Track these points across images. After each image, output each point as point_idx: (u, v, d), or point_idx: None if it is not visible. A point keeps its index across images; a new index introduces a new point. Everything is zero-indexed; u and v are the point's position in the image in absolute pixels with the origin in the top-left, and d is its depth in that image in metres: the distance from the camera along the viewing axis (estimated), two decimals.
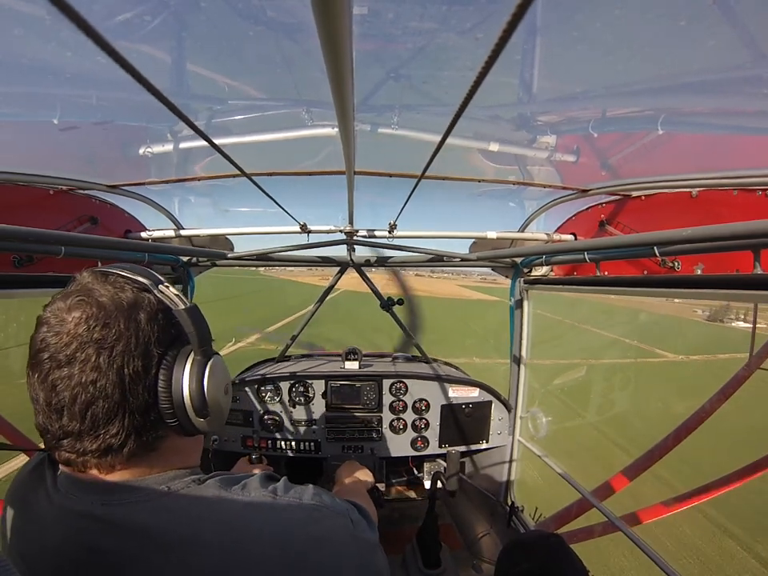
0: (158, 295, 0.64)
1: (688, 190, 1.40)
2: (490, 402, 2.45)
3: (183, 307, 0.65)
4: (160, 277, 0.68)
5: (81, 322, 0.56)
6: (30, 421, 0.61)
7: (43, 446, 0.63)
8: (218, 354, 0.73)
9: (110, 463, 0.59)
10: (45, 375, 0.55)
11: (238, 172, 0.97)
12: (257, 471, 1.62)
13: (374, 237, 1.87)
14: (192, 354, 0.66)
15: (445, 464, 2.62)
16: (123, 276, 0.63)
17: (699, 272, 1.32)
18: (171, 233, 1.96)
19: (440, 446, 2.43)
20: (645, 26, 0.68)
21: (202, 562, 0.58)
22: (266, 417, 2.39)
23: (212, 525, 0.60)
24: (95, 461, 0.58)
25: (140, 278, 0.64)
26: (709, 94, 0.92)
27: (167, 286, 0.67)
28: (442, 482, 1.96)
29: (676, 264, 1.41)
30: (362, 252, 2.19)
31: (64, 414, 0.56)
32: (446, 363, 2.98)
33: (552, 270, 2.21)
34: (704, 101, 0.97)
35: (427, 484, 2.65)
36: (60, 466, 0.65)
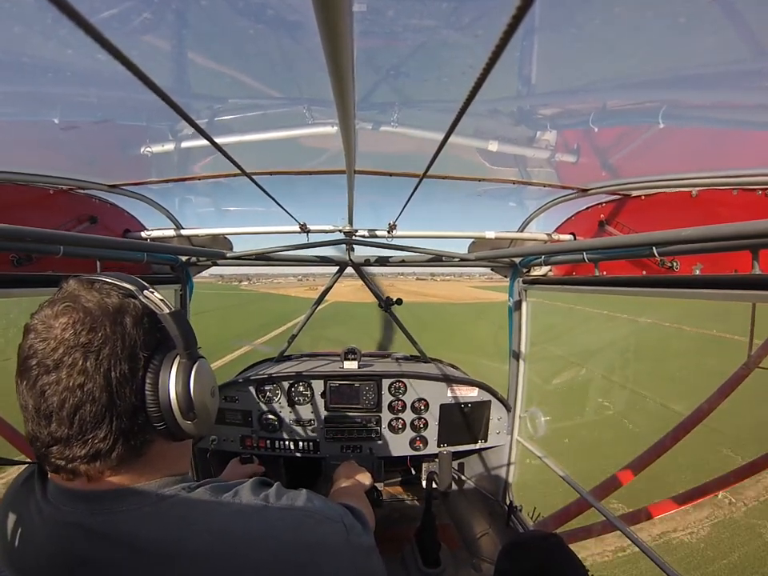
0: (144, 300, 0.65)
1: (688, 189, 1.40)
2: (489, 402, 2.45)
3: (168, 311, 0.66)
4: (145, 283, 0.69)
5: (67, 327, 0.56)
6: None
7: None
8: (203, 357, 0.73)
9: (99, 469, 0.59)
10: (33, 381, 0.55)
11: (239, 171, 0.97)
12: (248, 471, 1.62)
13: (373, 237, 1.87)
14: (178, 357, 0.67)
15: None
16: (109, 283, 0.63)
17: (698, 272, 1.32)
18: (170, 232, 1.96)
19: (439, 446, 2.43)
20: (644, 23, 0.68)
21: (194, 571, 0.57)
22: (264, 416, 2.39)
23: (203, 533, 0.59)
24: (84, 467, 0.58)
25: (125, 284, 0.64)
26: (708, 88, 0.93)
27: (152, 292, 0.68)
28: (436, 482, 1.96)
29: (675, 264, 1.41)
30: (360, 252, 2.19)
31: (53, 420, 0.56)
32: (446, 363, 2.98)
33: (551, 270, 2.21)
34: (704, 94, 0.97)
35: (424, 484, 2.65)
36: (49, 476, 0.65)
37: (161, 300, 0.67)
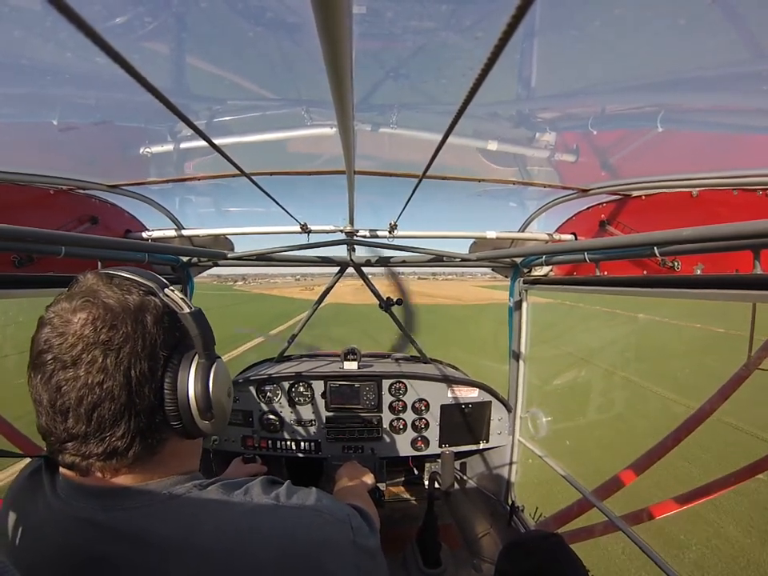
0: (164, 299, 0.65)
1: (688, 189, 1.40)
2: (490, 402, 2.45)
3: (188, 311, 0.66)
4: (164, 280, 0.69)
5: (87, 323, 0.55)
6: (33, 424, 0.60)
7: (45, 449, 0.62)
8: (220, 357, 0.73)
9: (114, 467, 0.59)
10: (49, 376, 0.55)
11: (239, 172, 0.97)
12: (251, 470, 1.63)
13: (374, 237, 1.87)
14: (197, 356, 0.67)
15: None
16: (129, 279, 0.63)
17: (699, 272, 1.32)
18: (171, 233, 1.96)
19: (440, 446, 2.43)
20: (644, 25, 0.68)
21: (204, 568, 0.57)
22: (265, 417, 2.39)
23: (214, 530, 0.59)
24: (100, 464, 0.58)
25: (145, 281, 0.64)
26: (708, 91, 0.92)
27: (172, 290, 0.67)
28: (438, 483, 1.96)
29: (676, 264, 1.41)
30: (361, 252, 2.19)
31: (69, 416, 0.55)
32: (446, 363, 2.98)
33: (552, 270, 2.21)
34: (703, 98, 0.97)
35: (426, 484, 2.65)
36: (60, 471, 0.64)
37: (181, 299, 0.67)
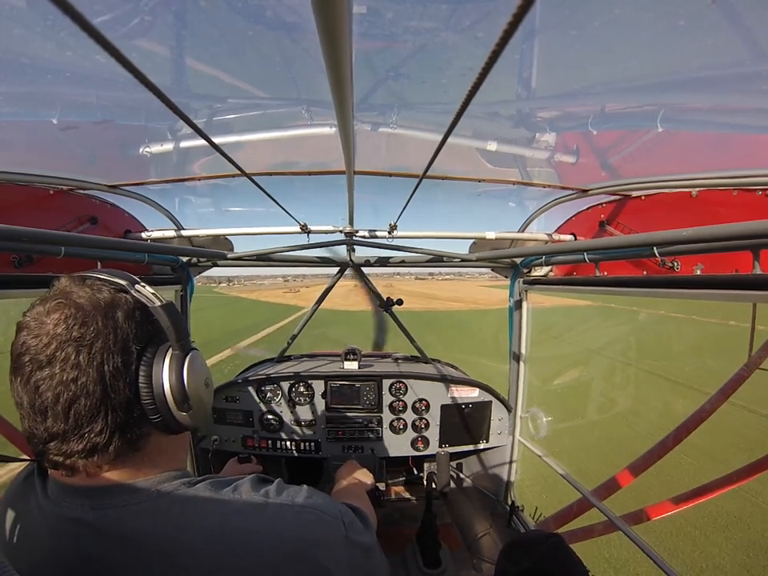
0: (135, 294, 0.65)
1: (688, 189, 1.40)
2: (490, 402, 2.45)
3: (159, 304, 0.67)
4: (136, 278, 0.70)
5: (59, 322, 0.56)
6: None
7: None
8: (196, 348, 0.74)
9: (96, 464, 0.60)
10: (27, 378, 0.56)
11: (238, 172, 0.97)
12: (246, 470, 1.63)
13: (374, 237, 1.87)
14: (170, 349, 0.67)
15: None
16: (100, 278, 0.64)
17: (699, 272, 1.32)
18: (171, 233, 1.96)
19: (440, 446, 2.43)
20: (644, 25, 0.68)
21: (193, 566, 0.58)
22: (265, 417, 2.39)
23: (202, 528, 0.60)
24: (82, 462, 0.59)
25: (116, 280, 0.65)
26: (708, 91, 0.93)
27: (143, 286, 0.68)
28: (435, 483, 1.96)
29: (675, 264, 1.41)
30: (361, 252, 2.19)
31: (48, 415, 0.56)
32: (446, 363, 2.98)
33: (552, 271, 2.21)
34: (703, 98, 0.97)
35: (425, 484, 2.65)
36: (49, 473, 0.65)
37: (152, 293, 0.68)
